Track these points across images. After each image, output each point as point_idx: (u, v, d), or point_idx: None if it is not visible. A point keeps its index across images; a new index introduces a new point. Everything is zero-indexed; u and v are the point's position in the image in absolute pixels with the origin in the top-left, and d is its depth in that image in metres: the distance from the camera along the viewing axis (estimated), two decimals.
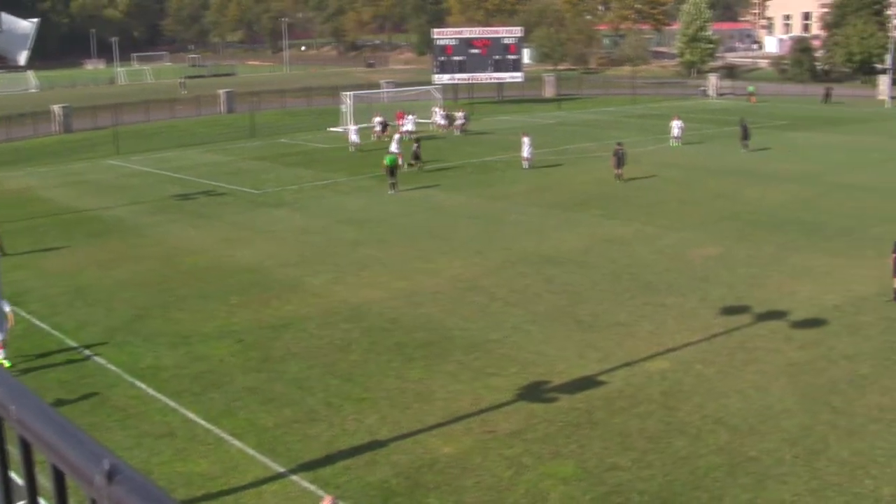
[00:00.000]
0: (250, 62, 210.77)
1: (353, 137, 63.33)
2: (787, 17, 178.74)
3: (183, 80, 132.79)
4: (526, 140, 53.41)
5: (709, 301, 28.36)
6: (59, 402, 21.23)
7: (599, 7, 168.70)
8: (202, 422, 20.43)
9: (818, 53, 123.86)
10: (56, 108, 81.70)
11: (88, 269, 33.83)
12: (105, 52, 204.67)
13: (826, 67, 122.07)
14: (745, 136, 59.36)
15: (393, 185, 46.36)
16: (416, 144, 54.77)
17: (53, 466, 2.12)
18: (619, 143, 50.07)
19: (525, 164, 52.94)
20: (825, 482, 17.21)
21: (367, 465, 18.23)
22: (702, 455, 18.37)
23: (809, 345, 24.48)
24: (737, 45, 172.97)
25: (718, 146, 61.94)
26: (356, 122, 66.46)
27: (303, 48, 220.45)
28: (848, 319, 26.42)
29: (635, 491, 17.06)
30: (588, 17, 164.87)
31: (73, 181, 54.04)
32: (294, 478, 17.79)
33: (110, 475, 1.98)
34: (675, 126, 62.71)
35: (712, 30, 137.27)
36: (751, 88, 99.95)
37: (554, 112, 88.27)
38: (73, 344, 25.69)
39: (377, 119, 69.51)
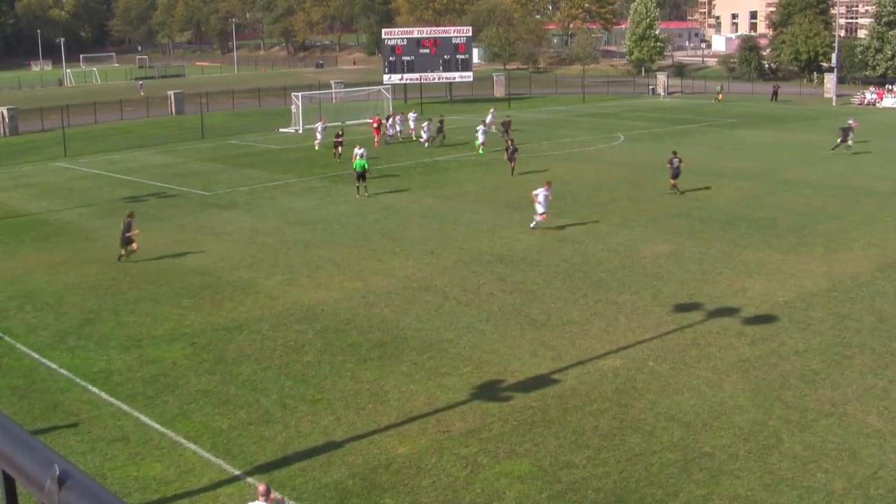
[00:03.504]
0: (199, 63, 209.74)
1: (393, 129, 66.04)
2: (735, 16, 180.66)
3: (141, 81, 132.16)
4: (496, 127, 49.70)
5: (661, 298, 28.54)
6: (11, 408, 20.97)
7: (548, 6, 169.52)
8: (156, 425, 20.25)
9: (765, 52, 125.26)
10: (2, 110, 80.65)
11: (37, 272, 33.42)
12: (51, 53, 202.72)
13: (773, 66, 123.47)
14: (845, 138, 57.69)
15: (359, 189, 45.73)
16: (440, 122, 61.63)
17: (4, 472, 2.07)
18: (674, 153, 45.89)
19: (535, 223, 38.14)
20: (778, 477, 17.37)
21: (323, 467, 18.17)
22: (656, 452, 18.47)
23: (761, 341, 24.70)
24: (685, 43, 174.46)
25: (668, 144, 62.37)
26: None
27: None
28: (798, 315, 26.70)
29: (591, 488, 17.12)
30: (537, 16, 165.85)
31: (21, 184, 53.39)
32: (250, 480, 17.67)
33: (61, 480, 1.94)
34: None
35: (660, 28, 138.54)
36: (718, 88, 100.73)
37: (504, 111, 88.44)
38: (23, 349, 25.37)
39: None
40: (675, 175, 44.35)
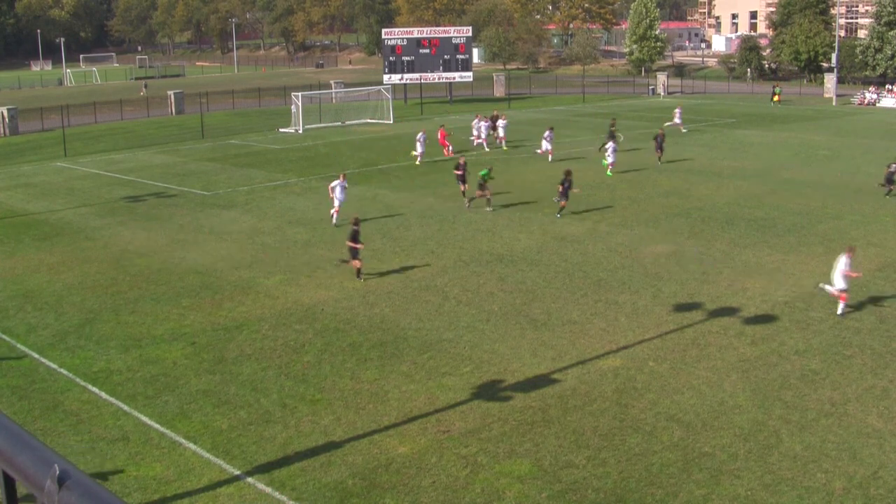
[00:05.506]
0: (199, 63, 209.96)
1: (478, 131, 61.94)
2: (735, 16, 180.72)
3: (145, 81, 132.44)
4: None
5: (661, 298, 28.53)
6: (11, 408, 20.97)
7: (548, 6, 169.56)
8: (156, 425, 20.24)
9: (765, 52, 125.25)
10: (2, 110, 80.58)
11: (37, 272, 33.41)
12: (51, 53, 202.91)
13: (773, 66, 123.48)
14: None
15: (472, 200, 42.21)
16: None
17: (4, 472, 2.07)
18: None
19: None
20: (778, 477, 17.37)
21: (323, 467, 18.16)
22: (656, 452, 18.46)
23: (761, 340, 24.70)
24: (685, 43, 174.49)
25: (669, 144, 62.31)
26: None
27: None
28: (798, 315, 26.70)
29: (591, 488, 17.11)
30: (537, 16, 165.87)
31: (21, 184, 53.35)
32: (250, 480, 17.67)
33: (61, 480, 1.94)
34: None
35: (660, 28, 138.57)
36: (777, 90, 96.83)
37: (504, 111, 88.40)
38: (23, 348, 25.37)
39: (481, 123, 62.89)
40: (889, 180, 43.45)
